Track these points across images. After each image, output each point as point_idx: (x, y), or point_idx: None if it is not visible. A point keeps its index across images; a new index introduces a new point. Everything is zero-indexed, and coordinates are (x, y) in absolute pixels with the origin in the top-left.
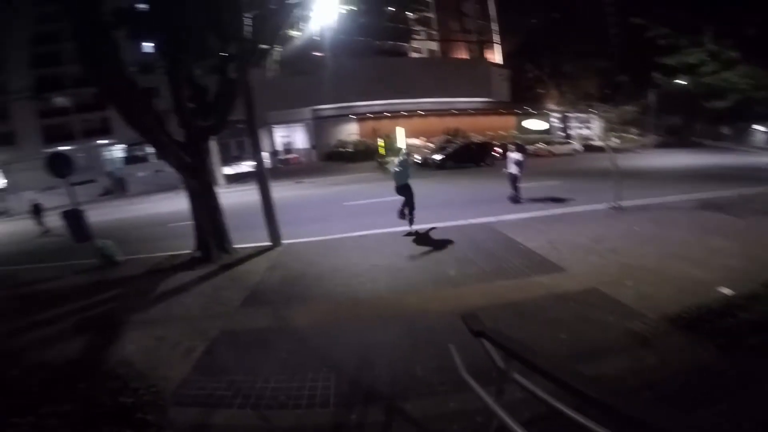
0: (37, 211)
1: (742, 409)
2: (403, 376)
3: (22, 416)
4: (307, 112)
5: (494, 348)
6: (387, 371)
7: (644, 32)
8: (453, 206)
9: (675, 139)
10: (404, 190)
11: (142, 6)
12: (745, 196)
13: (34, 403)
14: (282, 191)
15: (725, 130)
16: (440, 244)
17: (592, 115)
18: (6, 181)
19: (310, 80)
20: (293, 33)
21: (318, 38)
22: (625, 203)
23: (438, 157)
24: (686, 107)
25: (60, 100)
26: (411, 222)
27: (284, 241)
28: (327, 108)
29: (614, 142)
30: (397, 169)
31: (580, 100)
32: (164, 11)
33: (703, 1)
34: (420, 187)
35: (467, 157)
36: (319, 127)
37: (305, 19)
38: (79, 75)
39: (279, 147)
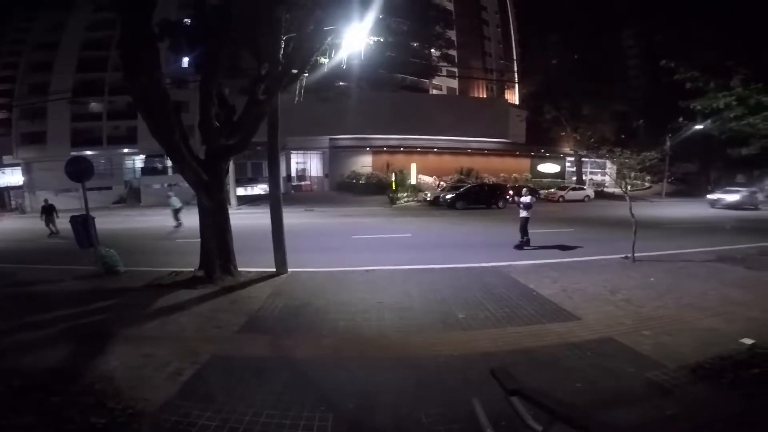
0: (48, 211)
1: None
2: (407, 423)
3: None
4: (324, 140)
5: (523, 407)
6: (389, 415)
7: (670, 75)
8: (463, 248)
9: (689, 187)
10: None
11: (186, 20)
12: (763, 249)
13: None
14: (292, 218)
15: (741, 178)
16: (449, 287)
17: (607, 160)
18: (24, 178)
19: (331, 109)
20: (322, 60)
21: (343, 67)
22: (640, 254)
23: (449, 196)
24: (702, 154)
25: (94, 105)
26: None
27: (290, 269)
28: (344, 138)
29: (629, 189)
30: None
31: (598, 144)
32: (207, 26)
33: (732, 42)
34: (430, 226)
35: (479, 198)
36: (334, 157)
37: (335, 47)
38: (116, 83)
39: (293, 173)
